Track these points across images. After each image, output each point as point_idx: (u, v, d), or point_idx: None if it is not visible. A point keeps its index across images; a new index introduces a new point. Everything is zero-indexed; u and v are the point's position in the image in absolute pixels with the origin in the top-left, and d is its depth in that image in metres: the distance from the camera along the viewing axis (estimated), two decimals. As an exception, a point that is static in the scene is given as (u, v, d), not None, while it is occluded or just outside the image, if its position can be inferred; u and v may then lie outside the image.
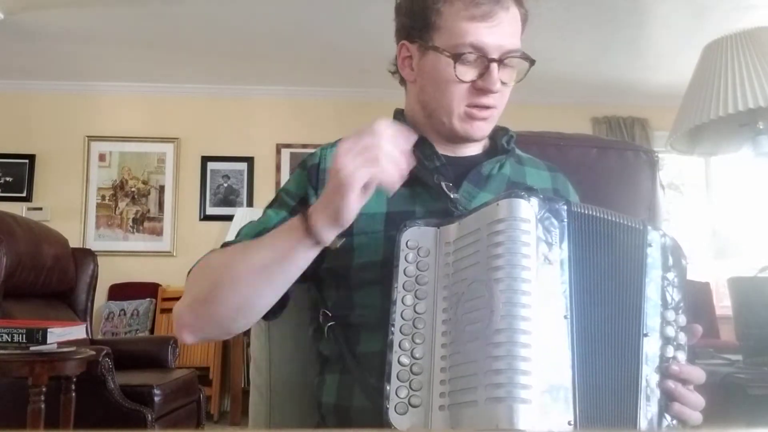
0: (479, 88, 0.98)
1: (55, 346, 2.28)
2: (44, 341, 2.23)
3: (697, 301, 4.26)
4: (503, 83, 1.00)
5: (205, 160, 5.16)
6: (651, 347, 0.81)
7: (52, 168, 5.01)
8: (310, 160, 1.06)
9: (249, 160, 5.13)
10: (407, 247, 0.85)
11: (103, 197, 5.08)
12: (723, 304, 4.15)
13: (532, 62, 1.02)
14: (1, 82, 5.00)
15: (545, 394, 0.70)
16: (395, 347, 0.80)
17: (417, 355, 0.79)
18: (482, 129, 1.03)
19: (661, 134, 4.90)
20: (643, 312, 0.81)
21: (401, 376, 0.79)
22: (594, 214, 0.81)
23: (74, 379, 2.39)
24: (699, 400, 0.84)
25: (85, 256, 3.49)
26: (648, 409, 0.79)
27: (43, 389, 2.17)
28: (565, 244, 0.77)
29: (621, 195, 1.32)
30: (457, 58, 0.96)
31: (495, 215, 0.78)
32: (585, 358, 0.75)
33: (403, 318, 0.81)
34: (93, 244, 4.75)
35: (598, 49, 4.50)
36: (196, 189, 5.14)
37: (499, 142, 1.09)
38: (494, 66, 0.97)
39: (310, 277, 1.00)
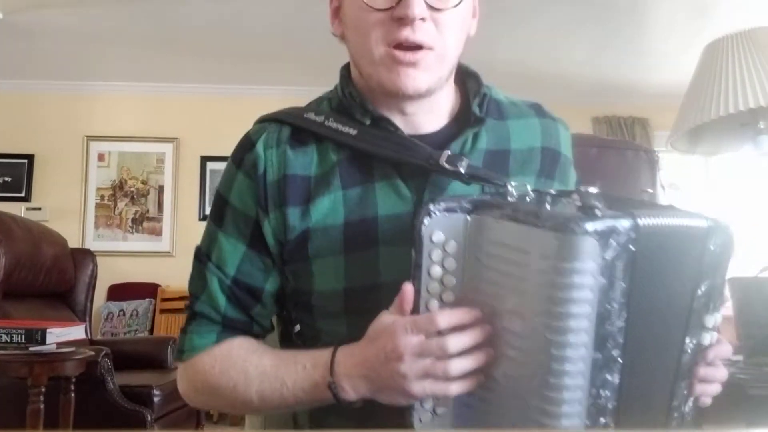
0: (397, 18, 0.78)
1: (55, 346, 2.28)
2: (43, 341, 2.23)
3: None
4: (435, 9, 0.79)
5: (205, 160, 5.15)
6: (686, 361, 0.72)
7: (51, 168, 5.00)
8: (251, 164, 0.86)
9: (248, 160, 5.13)
10: (431, 242, 0.70)
11: (102, 197, 5.07)
12: (723, 304, 4.14)
13: None
14: (1, 82, 4.99)
15: None
16: None
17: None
18: (413, 78, 0.80)
19: (661, 134, 4.89)
20: (687, 327, 0.70)
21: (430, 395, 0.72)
22: (661, 222, 0.66)
23: (73, 380, 2.39)
24: (723, 373, 0.77)
25: (84, 256, 3.49)
26: (673, 423, 0.74)
27: (43, 389, 2.18)
28: (627, 274, 0.64)
29: (621, 195, 1.31)
30: None
31: (548, 248, 0.64)
32: (629, 396, 0.68)
33: None
34: (92, 245, 4.75)
35: (598, 49, 4.50)
36: (196, 189, 5.14)
37: (472, 107, 0.88)
38: None
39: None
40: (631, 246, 0.64)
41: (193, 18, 4.03)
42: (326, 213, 0.84)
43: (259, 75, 4.97)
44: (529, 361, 0.66)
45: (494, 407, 0.71)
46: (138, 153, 5.13)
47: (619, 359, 0.65)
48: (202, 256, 0.89)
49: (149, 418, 2.71)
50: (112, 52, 4.58)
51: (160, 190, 5.13)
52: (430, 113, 0.88)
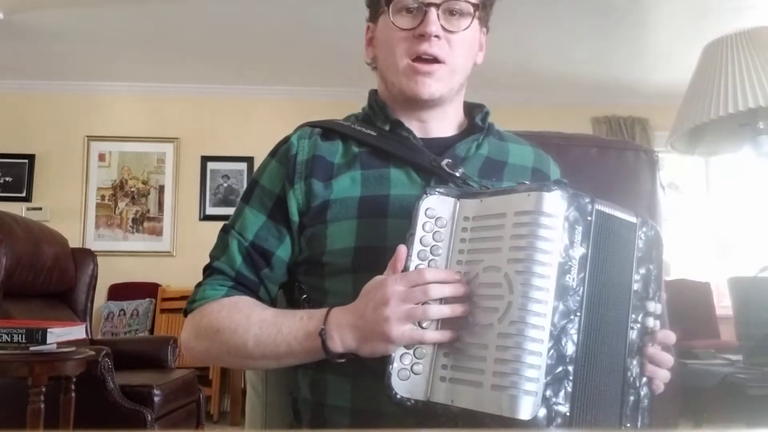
0: (418, 35, 0.97)
1: (55, 346, 2.27)
2: (44, 341, 2.22)
3: (697, 301, 4.25)
4: (449, 31, 0.98)
5: (205, 159, 5.15)
6: (634, 338, 0.85)
7: (52, 168, 5.01)
8: (284, 151, 1.03)
9: (249, 160, 5.13)
10: (426, 215, 0.84)
11: (103, 197, 5.08)
12: (723, 304, 4.15)
13: (476, 7, 1.00)
14: (1, 82, 5.00)
15: (548, 387, 0.73)
16: None
17: (423, 325, 0.80)
18: (429, 86, 0.99)
19: (661, 134, 4.89)
20: (630, 305, 0.84)
21: (407, 343, 0.81)
22: (613, 213, 0.82)
23: (74, 380, 2.39)
24: (669, 358, 0.88)
25: (85, 256, 3.48)
26: (630, 400, 0.84)
27: (43, 389, 2.17)
28: (586, 242, 0.78)
29: (621, 195, 1.31)
30: (389, 2, 0.99)
31: (523, 205, 0.78)
32: (588, 353, 0.78)
33: None
34: (93, 244, 4.75)
35: (598, 49, 4.50)
36: (196, 189, 5.14)
37: (475, 120, 1.07)
38: (431, 10, 0.96)
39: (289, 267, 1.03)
40: (588, 217, 0.79)
41: (194, 19, 4.04)
42: (346, 188, 0.98)
43: (260, 75, 4.98)
44: (501, 306, 0.76)
45: (467, 372, 0.77)
46: (138, 153, 5.13)
47: (578, 312, 0.77)
48: (228, 227, 1.04)
49: (149, 418, 2.71)
50: (112, 53, 4.58)
51: (161, 190, 5.13)
52: (441, 122, 1.06)
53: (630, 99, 5.24)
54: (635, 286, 0.84)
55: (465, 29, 0.99)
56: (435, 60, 0.98)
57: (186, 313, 1.01)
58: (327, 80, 4.94)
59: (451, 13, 0.99)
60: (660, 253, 0.88)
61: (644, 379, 0.85)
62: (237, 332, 0.92)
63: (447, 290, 0.80)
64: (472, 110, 1.10)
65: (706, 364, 1.96)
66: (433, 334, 0.80)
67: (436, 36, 0.97)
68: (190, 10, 3.93)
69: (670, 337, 0.88)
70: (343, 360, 0.86)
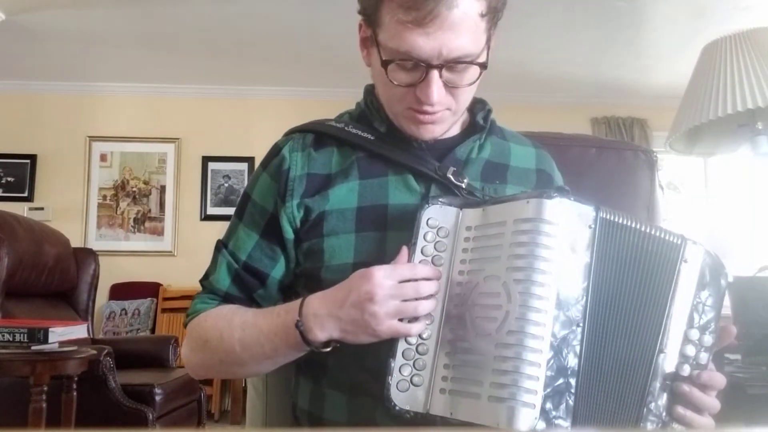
0: (417, 96, 0.86)
1: (57, 345, 2.29)
2: (46, 341, 2.24)
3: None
4: (452, 86, 0.87)
5: (206, 160, 5.17)
6: (666, 364, 0.80)
7: (54, 168, 5.02)
8: (276, 165, 0.97)
9: (249, 160, 5.14)
10: (428, 225, 0.83)
11: (105, 197, 5.09)
12: (722, 303, 4.14)
13: (483, 67, 0.87)
14: (3, 83, 5.01)
15: (548, 399, 0.71)
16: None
17: (424, 336, 0.80)
18: (432, 131, 0.91)
19: (660, 134, 4.90)
20: (664, 328, 0.79)
21: (406, 354, 0.79)
22: (624, 222, 0.79)
23: (76, 379, 2.40)
24: (714, 403, 0.81)
25: (87, 255, 3.50)
26: (651, 425, 0.79)
27: (45, 388, 2.19)
28: (589, 251, 0.76)
29: (620, 195, 1.32)
30: (387, 65, 0.86)
31: (523, 213, 0.77)
32: (593, 366, 0.75)
33: None
34: (94, 244, 4.76)
35: (598, 50, 4.51)
36: (197, 189, 5.15)
37: (477, 118, 1.00)
38: (433, 74, 0.84)
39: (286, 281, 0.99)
40: (591, 225, 0.77)
41: (195, 19, 4.04)
42: (342, 198, 0.93)
43: (260, 75, 4.98)
44: (499, 316, 0.75)
45: (467, 383, 0.76)
46: (140, 153, 5.14)
47: (581, 323, 0.75)
48: (220, 245, 1.00)
49: (151, 417, 2.72)
50: (114, 53, 4.59)
51: (162, 190, 5.14)
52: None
53: (629, 99, 5.24)
54: (674, 309, 0.80)
55: (471, 84, 0.88)
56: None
57: (184, 327, 1.00)
58: (327, 80, 4.95)
59: (454, 69, 0.86)
60: (719, 284, 0.82)
61: (665, 411, 0.80)
62: (223, 339, 0.90)
63: (434, 287, 0.79)
64: (473, 106, 1.02)
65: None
66: (419, 327, 0.79)
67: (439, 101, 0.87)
68: (191, 11, 3.94)
69: (715, 379, 0.80)
70: (328, 349, 0.83)
